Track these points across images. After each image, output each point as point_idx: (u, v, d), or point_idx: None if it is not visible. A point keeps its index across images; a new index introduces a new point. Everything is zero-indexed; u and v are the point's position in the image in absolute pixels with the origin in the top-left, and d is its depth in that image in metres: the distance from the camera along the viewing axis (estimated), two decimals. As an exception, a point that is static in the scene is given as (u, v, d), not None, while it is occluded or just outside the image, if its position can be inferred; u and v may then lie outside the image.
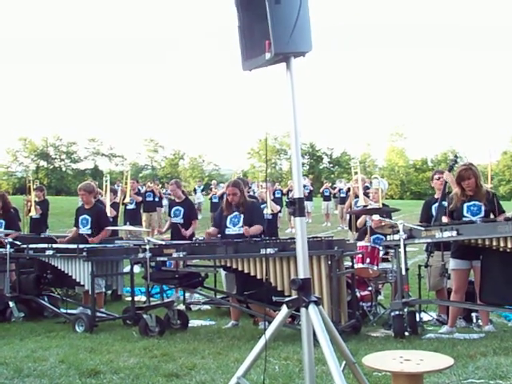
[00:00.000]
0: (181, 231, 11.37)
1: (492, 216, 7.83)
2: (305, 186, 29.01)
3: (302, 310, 3.43)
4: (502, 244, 6.98)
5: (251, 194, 16.79)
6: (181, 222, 11.71)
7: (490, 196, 8.03)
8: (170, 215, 12.14)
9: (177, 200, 12.09)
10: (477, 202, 7.90)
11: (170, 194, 12.35)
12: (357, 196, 12.51)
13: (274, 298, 8.15)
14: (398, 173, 73.84)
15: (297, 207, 3.47)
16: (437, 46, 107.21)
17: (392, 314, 7.60)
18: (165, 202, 25.12)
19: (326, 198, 30.00)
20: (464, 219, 7.74)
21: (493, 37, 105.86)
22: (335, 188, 30.24)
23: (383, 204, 10.65)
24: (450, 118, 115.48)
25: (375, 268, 9.05)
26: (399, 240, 7.40)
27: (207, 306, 11.05)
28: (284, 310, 3.52)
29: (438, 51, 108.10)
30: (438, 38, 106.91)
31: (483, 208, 7.86)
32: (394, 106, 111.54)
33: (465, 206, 7.93)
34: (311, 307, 3.38)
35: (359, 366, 3.83)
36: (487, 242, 7.08)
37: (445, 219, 7.96)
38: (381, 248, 9.06)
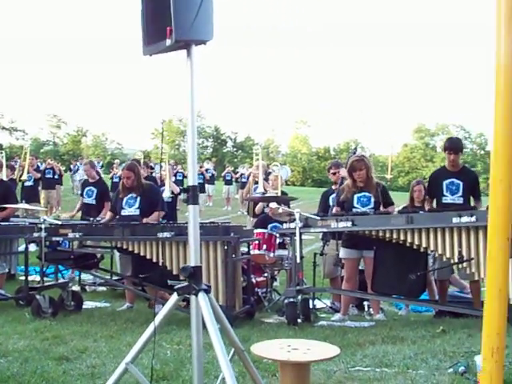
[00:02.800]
0: (91, 212, 11.07)
1: (382, 208, 8.03)
2: (207, 170, 29.04)
3: (192, 297, 3.43)
4: (394, 236, 7.18)
5: (154, 175, 16.68)
6: (93, 202, 11.49)
7: (380, 187, 8.21)
8: (82, 195, 11.88)
9: (90, 180, 11.83)
10: (367, 193, 8.06)
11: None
12: (256, 182, 12.60)
13: (169, 282, 8.15)
14: (301, 160, 74.62)
15: (190, 195, 3.47)
16: (342, 40, 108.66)
17: (285, 301, 7.69)
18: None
19: (228, 182, 30.15)
20: (354, 210, 7.92)
21: (398, 31, 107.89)
22: (237, 172, 30.40)
23: (282, 191, 10.76)
24: (354, 109, 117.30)
25: (271, 255, 9.14)
26: (295, 228, 7.48)
27: (102, 288, 10.93)
28: (174, 296, 3.52)
29: (344, 43, 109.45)
30: (343, 32, 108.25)
31: (373, 199, 8.03)
32: (299, 93, 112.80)
33: (355, 196, 8.08)
34: (201, 295, 3.39)
35: (248, 354, 3.86)
36: (381, 234, 7.26)
37: (334, 210, 8.10)
38: (278, 235, 9.15)
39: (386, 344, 6.09)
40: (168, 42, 3.48)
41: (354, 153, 8.86)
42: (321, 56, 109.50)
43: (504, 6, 1.60)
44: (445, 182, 8.10)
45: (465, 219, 6.67)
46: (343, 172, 8.76)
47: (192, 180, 3.51)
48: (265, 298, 9.25)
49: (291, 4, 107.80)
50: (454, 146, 8.41)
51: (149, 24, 3.69)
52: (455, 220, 6.76)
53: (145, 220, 8.61)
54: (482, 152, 73.25)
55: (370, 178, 8.13)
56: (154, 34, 3.63)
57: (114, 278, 10.08)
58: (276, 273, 10.13)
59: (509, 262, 1.59)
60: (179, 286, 3.53)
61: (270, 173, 12.35)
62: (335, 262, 8.15)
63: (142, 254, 7.86)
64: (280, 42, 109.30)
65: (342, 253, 8.10)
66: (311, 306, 8.02)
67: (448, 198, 8.12)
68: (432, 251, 7.24)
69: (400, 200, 10.55)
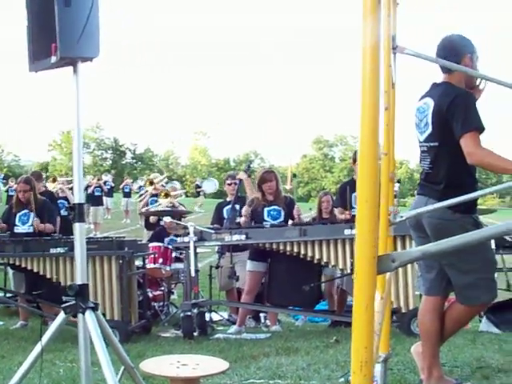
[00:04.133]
0: None
1: (290, 220, 8.13)
2: (106, 182, 28.64)
3: (79, 315, 3.41)
4: (288, 248, 7.27)
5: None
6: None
7: (288, 200, 8.32)
8: None
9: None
10: (276, 207, 8.14)
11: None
12: (154, 195, 12.54)
13: (64, 298, 8.01)
14: (201, 171, 74.57)
15: (76, 213, 3.44)
16: (241, 51, 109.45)
17: (181, 314, 7.68)
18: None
19: (126, 195, 29.86)
20: (265, 223, 7.98)
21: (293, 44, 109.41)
22: (136, 184, 30.16)
23: (180, 204, 10.78)
24: (254, 120, 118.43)
25: (168, 268, 9.14)
26: (189, 242, 7.48)
27: (-4, 306, 10.64)
28: (61, 315, 3.48)
29: (243, 54, 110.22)
30: (241, 44, 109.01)
31: (283, 212, 8.12)
32: (198, 104, 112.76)
33: (265, 210, 8.14)
34: (88, 313, 3.37)
35: (138, 370, 3.85)
36: (274, 246, 7.33)
37: (243, 220, 8.11)
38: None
39: (280, 355, 6.15)
40: (53, 59, 3.45)
41: (249, 167, 8.95)
42: (219, 67, 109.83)
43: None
44: (354, 195, 8.23)
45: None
46: (241, 175, 8.81)
47: (78, 197, 3.48)
48: (162, 311, 9.21)
49: (190, 16, 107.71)
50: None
51: (34, 40, 3.65)
52: (347, 232, 6.92)
53: (35, 223, 8.45)
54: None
55: (279, 191, 8.23)
56: (40, 51, 3.60)
57: (8, 295, 9.82)
58: (173, 286, 10.12)
59: (375, 280, 1.65)
60: (66, 304, 3.50)
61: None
62: (230, 275, 8.19)
63: (35, 270, 7.70)
64: (178, 53, 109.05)
65: (249, 265, 8.13)
66: (208, 319, 8.03)
67: (356, 211, 8.24)
68: (325, 263, 7.37)
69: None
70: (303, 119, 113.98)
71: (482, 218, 6.23)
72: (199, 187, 34.73)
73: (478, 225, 4.13)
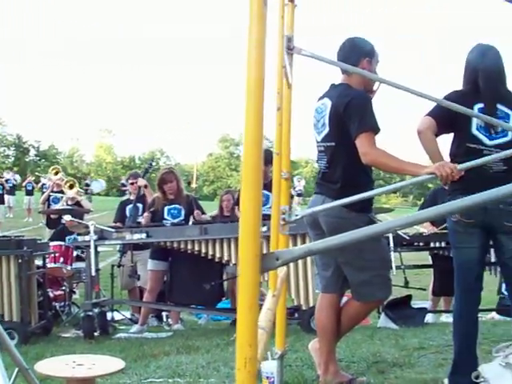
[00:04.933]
0: None
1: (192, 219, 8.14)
2: (7, 180, 27.97)
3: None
4: (189, 247, 7.27)
5: None
6: None
7: (190, 199, 8.33)
8: None
9: None
10: (177, 206, 8.15)
11: None
12: (58, 192, 12.34)
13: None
14: (106, 169, 73.70)
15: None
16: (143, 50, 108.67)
17: (82, 314, 7.59)
18: None
19: (29, 193, 29.26)
20: (165, 222, 7.96)
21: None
22: (39, 182, 29.55)
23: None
24: (159, 118, 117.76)
25: (69, 268, 9.01)
26: (89, 241, 7.39)
27: None
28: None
29: (146, 53, 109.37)
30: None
31: (183, 211, 8.14)
32: (102, 101, 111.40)
33: (166, 209, 8.14)
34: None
35: (34, 372, 3.78)
36: (175, 245, 7.32)
37: (144, 219, 8.06)
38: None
39: (181, 354, 6.15)
40: None
41: (151, 165, 8.92)
42: (125, 64, 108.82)
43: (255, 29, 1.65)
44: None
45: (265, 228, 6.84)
46: (140, 182, 8.78)
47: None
48: (63, 311, 9.06)
49: (95, 13, 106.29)
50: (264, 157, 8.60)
51: None
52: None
53: None
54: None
55: (180, 189, 8.23)
56: None
57: None
58: (75, 286, 9.96)
59: (258, 278, 1.67)
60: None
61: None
62: (130, 274, 8.15)
63: None
64: (83, 49, 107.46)
65: (150, 264, 8.10)
66: (110, 319, 7.96)
67: (264, 210, 8.30)
68: (226, 261, 7.40)
69: (205, 209, 10.66)
70: (209, 118, 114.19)
71: (386, 216, 6.39)
72: (88, 186, 34.58)
73: (372, 223, 4.22)
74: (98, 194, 36.42)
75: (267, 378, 4.18)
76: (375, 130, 4.14)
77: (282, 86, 2.93)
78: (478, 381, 3.95)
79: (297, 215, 3.67)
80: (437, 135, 4.24)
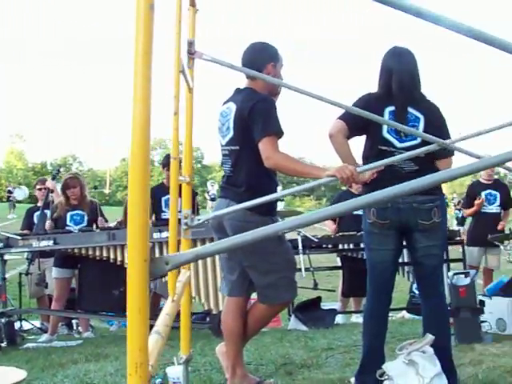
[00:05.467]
0: None
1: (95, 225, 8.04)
2: None
3: None
4: (97, 253, 7.18)
5: None
6: None
7: (93, 205, 8.24)
8: None
9: None
10: (80, 211, 8.05)
11: None
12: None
13: None
14: (17, 175, 72.12)
15: None
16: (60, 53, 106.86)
17: (-11, 325, 7.40)
18: None
19: None
20: (67, 228, 7.83)
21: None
22: None
23: None
24: (72, 123, 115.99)
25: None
26: (-6, 249, 7.22)
27: None
28: None
29: (62, 57, 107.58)
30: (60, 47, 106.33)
31: (86, 217, 8.04)
32: (13, 107, 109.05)
33: (68, 214, 8.02)
34: None
35: None
36: (84, 251, 7.22)
37: (48, 225, 7.92)
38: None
39: (89, 362, 6.06)
40: None
41: (58, 171, 8.79)
42: (33, 66, 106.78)
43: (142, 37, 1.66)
44: (163, 198, 8.18)
45: (165, 234, 6.83)
46: (49, 183, 8.63)
47: None
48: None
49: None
50: (167, 162, 8.57)
51: None
52: (156, 235, 6.94)
53: None
54: (199, 166, 75.64)
55: (83, 195, 8.13)
56: None
57: None
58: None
59: (146, 282, 1.67)
60: None
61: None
62: (38, 282, 8.00)
63: None
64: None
65: (54, 272, 7.96)
66: (18, 328, 7.80)
67: (167, 214, 8.25)
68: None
69: (118, 214, 10.54)
70: (122, 122, 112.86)
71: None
72: (11, 193, 33.93)
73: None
74: (20, 202, 35.64)
75: (174, 383, 4.18)
76: (278, 133, 4.17)
77: (178, 91, 2.92)
78: (382, 378, 4.03)
79: (199, 219, 3.67)
80: (348, 138, 4.31)
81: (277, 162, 4.08)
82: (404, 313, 8.76)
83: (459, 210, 19.03)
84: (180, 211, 3.68)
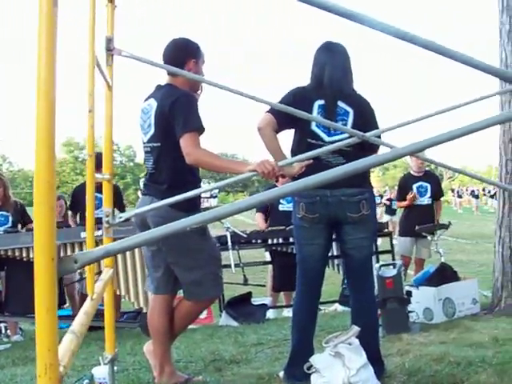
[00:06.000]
0: None
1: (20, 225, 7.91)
2: None
3: None
4: (24, 254, 7.05)
5: None
6: None
7: (18, 206, 8.10)
8: None
9: None
10: (4, 212, 7.91)
11: None
12: None
13: None
14: None
15: None
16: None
17: None
18: None
19: None
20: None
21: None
22: None
23: None
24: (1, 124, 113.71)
25: None
26: None
27: None
28: None
29: None
30: None
31: (11, 218, 7.90)
32: None
33: None
34: None
35: None
36: (10, 253, 7.09)
37: None
38: None
39: (17, 366, 5.97)
40: None
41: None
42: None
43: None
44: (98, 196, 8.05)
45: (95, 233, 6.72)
46: None
47: None
48: None
49: None
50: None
51: None
52: (83, 235, 6.84)
53: None
54: (132, 164, 75.15)
55: (7, 196, 7.99)
56: None
57: None
58: None
59: (54, 281, 1.64)
60: None
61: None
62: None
63: None
64: None
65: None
66: None
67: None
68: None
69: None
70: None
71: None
72: None
73: (200, 222, 4.25)
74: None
75: (100, 383, 4.14)
76: (199, 130, 4.16)
77: (93, 88, 2.89)
78: (309, 371, 4.06)
79: (121, 217, 3.64)
80: (277, 131, 4.33)
81: (198, 158, 4.07)
82: (337, 305, 8.84)
83: (391, 201, 19.27)
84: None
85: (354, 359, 4.00)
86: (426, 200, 9.35)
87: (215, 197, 39.13)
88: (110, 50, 3.49)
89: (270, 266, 8.90)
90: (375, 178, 66.18)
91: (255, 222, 9.21)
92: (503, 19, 7.06)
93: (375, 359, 4.35)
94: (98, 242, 6.21)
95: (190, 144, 4.05)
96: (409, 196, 9.26)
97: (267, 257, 8.84)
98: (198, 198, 4.37)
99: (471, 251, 18.80)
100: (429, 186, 9.38)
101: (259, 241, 8.14)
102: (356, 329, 4.10)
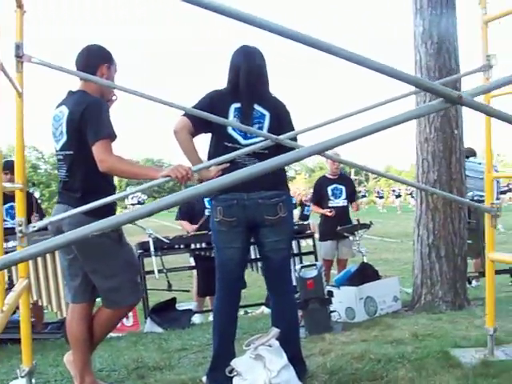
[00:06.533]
0: None
1: None
2: None
3: None
4: None
5: None
6: None
7: None
8: None
9: None
10: None
11: None
12: None
13: None
14: None
15: None
16: None
17: None
18: None
19: None
20: None
21: None
22: None
23: None
24: None
25: None
26: None
27: None
28: None
29: None
30: None
31: None
32: None
33: None
34: None
35: None
36: None
37: None
38: None
39: None
40: None
41: None
42: None
43: None
44: (5, 207, 7.88)
45: (11, 244, 6.60)
46: None
47: None
48: None
49: None
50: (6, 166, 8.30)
51: None
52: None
53: None
54: (56, 172, 73.88)
55: None
56: None
57: None
58: None
59: None
60: None
61: None
62: None
63: None
64: None
65: None
66: None
67: (8, 223, 7.95)
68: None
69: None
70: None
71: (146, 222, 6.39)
72: None
73: (117, 229, 4.21)
74: None
75: (17, 396, 4.06)
76: (111, 137, 4.11)
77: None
78: (231, 375, 4.06)
79: (34, 226, 3.58)
80: (194, 135, 4.33)
81: (111, 165, 4.02)
82: (263, 308, 8.87)
83: (303, 206, 19.12)
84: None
85: (274, 361, 4.03)
86: (341, 202, 9.45)
87: (142, 203, 38.87)
88: (19, 56, 3.44)
89: (195, 271, 8.87)
90: (301, 180, 66.68)
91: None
92: (417, 21, 7.21)
93: (297, 360, 4.38)
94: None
95: (102, 151, 4.00)
96: (327, 212, 9.34)
97: (192, 262, 8.79)
98: (113, 204, 4.32)
99: (396, 250, 19.08)
100: (343, 189, 9.51)
101: (182, 246, 8.11)
102: (276, 330, 4.13)
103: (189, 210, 8.62)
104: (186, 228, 8.70)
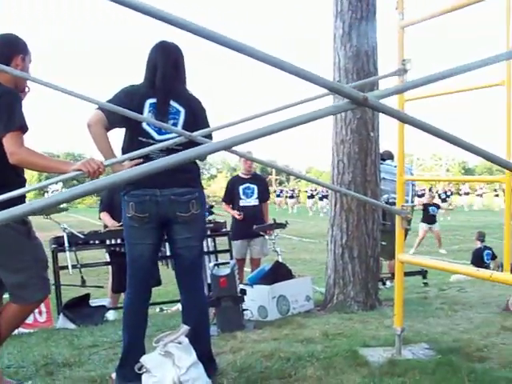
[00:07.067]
0: None
1: None
2: None
3: None
4: None
5: None
6: None
7: None
8: None
9: None
10: None
11: None
12: None
13: None
14: None
15: None
16: None
17: None
18: None
19: None
20: None
21: None
22: None
23: None
24: None
25: None
26: None
27: None
28: None
29: None
30: None
31: None
32: None
33: None
34: None
35: None
36: None
37: None
38: None
39: None
40: None
41: None
42: None
43: None
44: None
45: None
46: None
47: None
48: None
49: None
50: None
51: None
52: None
53: None
54: None
55: None
56: None
57: None
58: None
59: None
60: None
61: None
62: None
63: None
64: None
65: None
66: None
67: None
68: None
69: None
70: None
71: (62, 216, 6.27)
72: None
73: (25, 223, 4.16)
74: None
75: None
76: (23, 129, 4.02)
77: None
78: (140, 372, 4.05)
79: None
80: (108, 129, 4.29)
81: (22, 157, 3.95)
82: (179, 305, 8.83)
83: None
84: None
85: (183, 358, 4.03)
86: (252, 201, 9.51)
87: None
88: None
89: (110, 267, 8.78)
90: (223, 178, 66.61)
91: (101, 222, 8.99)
92: (337, 24, 7.30)
93: (206, 357, 4.40)
94: None
95: (13, 143, 3.92)
96: (236, 214, 9.40)
97: (108, 258, 8.69)
98: (23, 197, 4.23)
99: (314, 250, 19.31)
100: (256, 188, 9.57)
101: (97, 241, 8.01)
102: (185, 328, 4.14)
103: (110, 201, 8.50)
104: (106, 222, 8.58)
